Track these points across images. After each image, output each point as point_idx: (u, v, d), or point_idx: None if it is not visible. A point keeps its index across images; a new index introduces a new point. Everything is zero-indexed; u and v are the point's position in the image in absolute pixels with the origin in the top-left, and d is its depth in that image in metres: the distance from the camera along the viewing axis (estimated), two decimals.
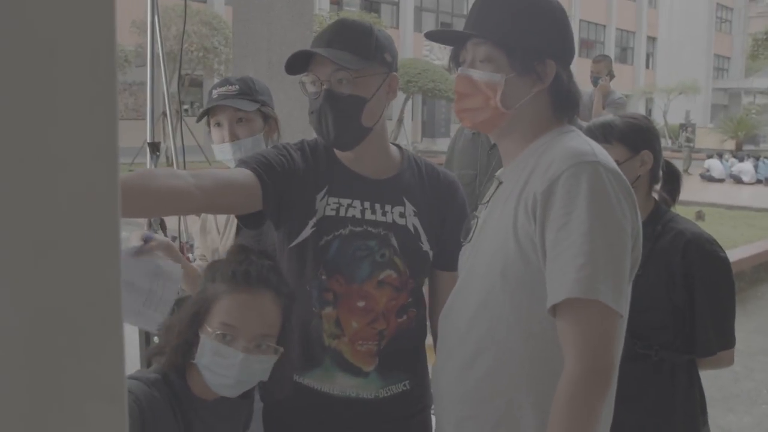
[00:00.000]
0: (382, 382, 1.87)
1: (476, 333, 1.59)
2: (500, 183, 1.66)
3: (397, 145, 1.97)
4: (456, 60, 1.67)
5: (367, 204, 1.83)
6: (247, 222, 1.78)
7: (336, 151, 1.87)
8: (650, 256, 2.06)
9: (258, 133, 2.27)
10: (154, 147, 2.90)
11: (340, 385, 1.85)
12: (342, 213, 1.82)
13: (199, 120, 2.34)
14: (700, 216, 10.90)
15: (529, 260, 1.49)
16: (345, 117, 1.76)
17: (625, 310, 1.47)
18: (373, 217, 1.83)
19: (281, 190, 1.77)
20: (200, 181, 1.59)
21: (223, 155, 2.27)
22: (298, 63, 1.78)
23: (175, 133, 3.32)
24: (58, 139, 0.50)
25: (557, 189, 1.44)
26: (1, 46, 0.46)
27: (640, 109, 38.37)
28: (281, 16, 4.53)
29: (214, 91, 2.30)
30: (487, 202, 1.69)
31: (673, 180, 2.29)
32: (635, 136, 2.17)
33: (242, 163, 1.77)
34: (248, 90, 2.30)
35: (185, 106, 21.73)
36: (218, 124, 2.28)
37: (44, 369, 0.50)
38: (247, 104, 2.26)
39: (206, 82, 22.71)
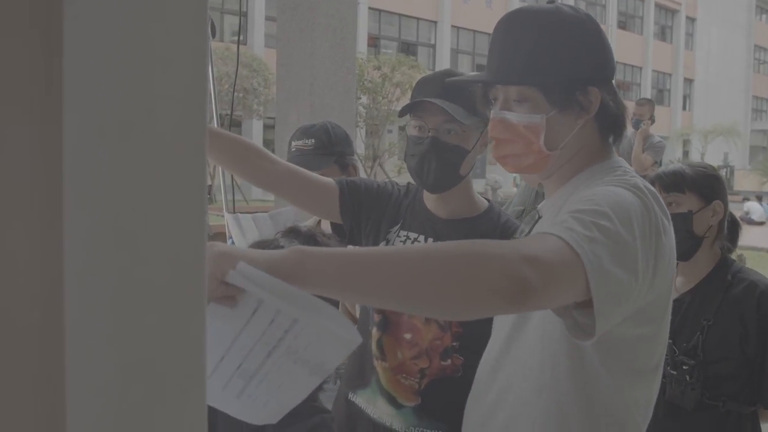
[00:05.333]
0: (416, 420, 1.86)
1: (497, 384, 1.48)
2: (539, 217, 1.51)
3: (488, 200, 2.03)
4: (485, 98, 1.50)
5: (430, 240, 1.90)
6: (336, 230, 1.99)
7: (423, 192, 1.98)
8: (721, 306, 2.06)
9: None
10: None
11: (380, 410, 1.89)
12: (408, 245, 1.89)
13: None
14: (740, 259, 10.69)
15: None
16: (447, 165, 1.86)
17: None
18: None
19: (360, 207, 1.95)
20: (284, 164, 1.91)
21: None
22: (406, 107, 1.90)
23: (215, 171, 3.40)
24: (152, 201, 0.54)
25: None
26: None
27: (678, 152, 38.04)
28: (324, 61, 4.62)
29: (293, 143, 2.39)
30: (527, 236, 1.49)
31: (733, 228, 2.27)
32: (707, 186, 2.16)
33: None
34: (324, 143, 2.36)
35: None
36: None
37: (134, 412, 0.54)
38: (321, 162, 2.33)
39: (245, 123, 23.03)
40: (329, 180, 1.98)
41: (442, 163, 1.85)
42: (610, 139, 1.47)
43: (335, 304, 1.90)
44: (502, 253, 1.07)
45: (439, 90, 1.84)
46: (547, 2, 1.46)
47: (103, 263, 0.50)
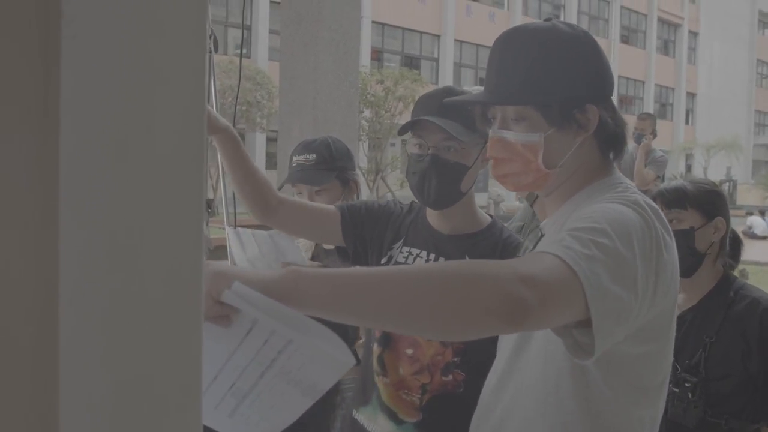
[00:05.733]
0: None
1: (502, 404, 1.47)
2: (542, 235, 1.49)
3: (491, 216, 2.04)
4: (484, 116, 1.50)
5: (432, 256, 1.91)
6: (342, 254, 2.06)
7: (426, 208, 2.00)
8: (723, 323, 2.06)
9: (337, 199, 2.36)
10: (206, 204, 2.94)
11: (381, 427, 1.89)
12: (410, 261, 1.91)
13: (279, 188, 2.43)
14: (743, 274, 10.66)
15: None
16: (447, 182, 1.87)
17: None
18: None
19: (362, 229, 1.98)
20: (288, 202, 1.98)
21: None
22: (406, 125, 1.92)
23: (218, 184, 3.40)
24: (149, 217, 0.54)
25: None
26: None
27: (680, 166, 38.06)
28: (327, 74, 4.63)
29: (294, 158, 2.39)
30: None
31: (735, 245, 2.27)
32: (709, 203, 2.15)
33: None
34: (326, 158, 2.37)
35: None
36: (299, 193, 2.40)
37: (129, 430, 0.54)
38: (323, 177, 2.35)
39: (248, 136, 23.08)
40: (330, 207, 2.03)
41: (442, 180, 1.86)
42: (611, 156, 1.46)
43: (341, 327, 1.89)
44: (498, 273, 1.05)
45: (438, 107, 1.84)
46: (544, 20, 1.46)
47: (99, 278, 0.50)
